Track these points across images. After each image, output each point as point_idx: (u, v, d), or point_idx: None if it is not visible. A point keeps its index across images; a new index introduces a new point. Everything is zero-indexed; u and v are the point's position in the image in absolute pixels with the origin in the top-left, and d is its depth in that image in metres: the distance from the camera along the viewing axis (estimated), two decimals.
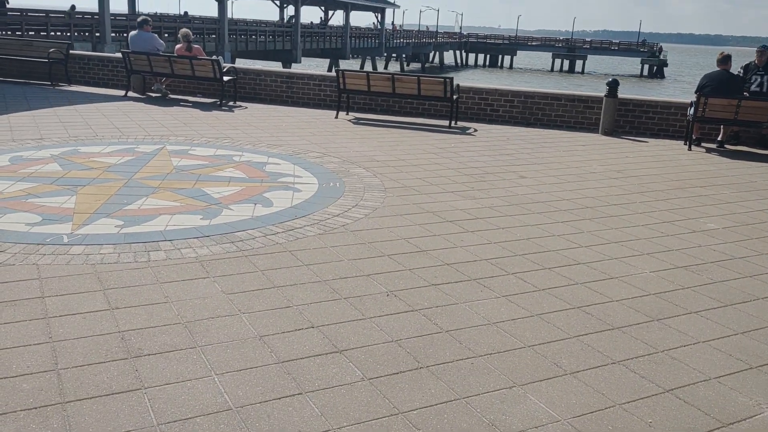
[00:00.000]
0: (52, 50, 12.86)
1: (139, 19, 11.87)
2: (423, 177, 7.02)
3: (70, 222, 4.95)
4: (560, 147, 9.19)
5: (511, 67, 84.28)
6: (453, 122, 10.57)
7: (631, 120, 10.51)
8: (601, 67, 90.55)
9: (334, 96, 11.82)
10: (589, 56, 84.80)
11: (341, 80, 10.77)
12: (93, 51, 24.26)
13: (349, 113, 11.27)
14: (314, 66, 57.00)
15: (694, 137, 9.51)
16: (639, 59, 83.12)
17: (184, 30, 11.68)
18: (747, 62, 9.93)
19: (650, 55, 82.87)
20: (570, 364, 3.20)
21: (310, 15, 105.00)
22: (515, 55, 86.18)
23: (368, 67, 63.34)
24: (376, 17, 60.23)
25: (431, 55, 78.29)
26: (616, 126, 10.42)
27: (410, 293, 3.96)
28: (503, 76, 68.60)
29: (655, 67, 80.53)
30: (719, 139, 9.63)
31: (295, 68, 42.95)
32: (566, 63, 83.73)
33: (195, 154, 7.58)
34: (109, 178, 6.29)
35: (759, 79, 9.64)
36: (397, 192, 6.34)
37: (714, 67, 9.63)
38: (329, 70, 54.13)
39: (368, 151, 8.23)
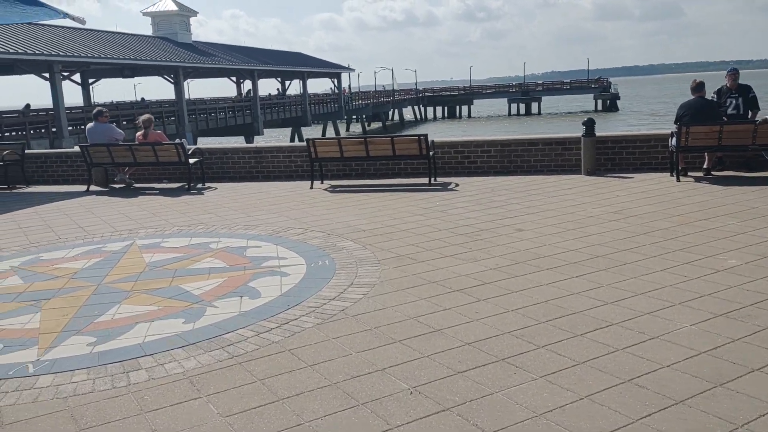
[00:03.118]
0: (6, 152, 12.33)
1: (94, 111, 11.46)
2: (415, 243, 6.58)
3: (36, 346, 4.35)
4: (548, 193, 8.87)
5: (469, 116, 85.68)
6: (432, 179, 10.22)
7: (612, 157, 10.29)
8: (556, 106, 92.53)
9: (306, 166, 11.45)
10: (543, 97, 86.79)
11: (312, 149, 10.40)
12: (51, 147, 23.74)
13: (324, 182, 10.88)
14: (277, 136, 57.14)
15: (680, 167, 9.28)
16: (591, 95, 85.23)
17: (144, 116, 11.28)
18: (719, 86, 9.85)
19: (602, 90, 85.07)
20: None
21: (268, 87, 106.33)
22: (472, 104, 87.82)
23: (330, 131, 63.76)
24: (333, 82, 60.90)
25: (390, 113, 79.26)
26: (598, 165, 10.19)
27: (436, 387, 3.45)
28: (463, 126, 69.51)
29: (608, 101, 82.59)
30: (705, 166, 9.42)
31: (260, 141, 42.84)
32: (522, 107, 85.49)
33: (168, 247, 7.04)
34: (76, 286, 5.71)
35: (734, 102, 9.55)
36: (393, 263, 5.87)
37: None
38: (292, 138, 54.19)
39: (352, 221, 7.79)
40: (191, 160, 11.06)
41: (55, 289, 5.64)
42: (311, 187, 10.44)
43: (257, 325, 4.51)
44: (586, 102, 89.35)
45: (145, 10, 42.48)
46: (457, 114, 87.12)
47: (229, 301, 5.09)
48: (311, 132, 61.01)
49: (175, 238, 7.45)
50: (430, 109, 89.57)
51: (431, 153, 10.12)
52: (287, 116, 49.26)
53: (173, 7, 42.25)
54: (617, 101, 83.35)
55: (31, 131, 25.57)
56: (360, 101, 66.99)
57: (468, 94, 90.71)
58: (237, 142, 43.80)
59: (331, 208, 8.67)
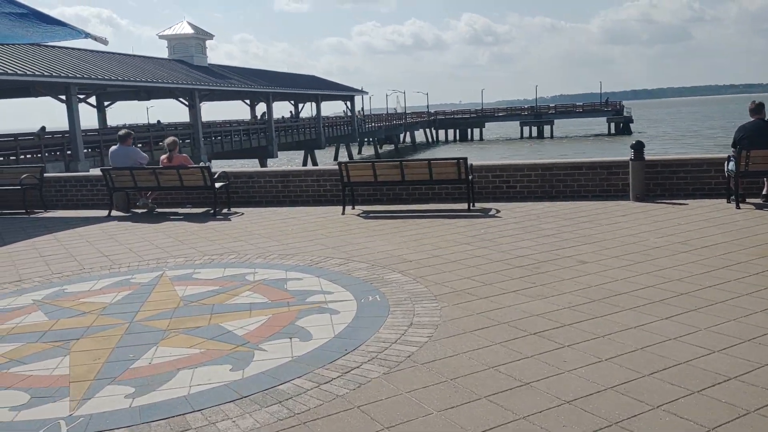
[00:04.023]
0: (24, 176, 11.93)
1: (120, 133, 11.03)
2: (470, 275, 6.05)
3: (67, 398, 3.83)
4: (599, 220, 8.33)
5: (481, 139, 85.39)
6: (471, 205, 9.71)
7: (661, 182, 9.76)
8: (568, 129, 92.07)
9: (335, 191, 10.98)
10: (555, 120, 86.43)
11: (345, 173, 9.93)
12: (66, 170, 23.45)
13: (355, 207, 10.39)
14: (291, 159, 56.94)
15: (738, 194, 8.73)
16: (604, 118, 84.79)
17: (169, 139, 10.85)
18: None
19: (615, 113, 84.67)
20: None
21: (280, 110, 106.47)
22: (484, 127, 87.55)
23: (342, 153, 63.53)
24: (346, 105, 60.80)
25: (402, 136, 79.07)
26: (647, 190, 9.64)
27: None
28: (476, 149, 69.14)
29: (621, 125, 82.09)
30: (765, 192, 8.87)
31: (274, 164, 42.57)
32: (534, 129, 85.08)
33: (201, 279, 6.54)
34: (106, 324, 5.21)
35: None
36: (451, 299, 5.34)
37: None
38: (305, 160, 53.97)
39: (394, 250, 7.27)
40: (217, 185, 10.60)
41: (83, 327, 5.14)
42: (343, 213, 9.94)
43: (316, 374, 3.98)
44: (599, 125, 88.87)
45: (161, 34, 42.55)
46: (469, 137, 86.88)
47: (278, 343, 4.57)
48: (324, 155, 60.87)
49: (208, 268, 6.95)
50: (441, 132, 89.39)
51: (470, 177, 9.62)
52: (301, 139, 49.04)
53: (189, 31, 42.30)
54: (630, 124, 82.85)
55: (47, 154, 25.31)
56: (373, 124, 66.83)
57: (480, 117, 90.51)
58: (251, 164, 43.60)
59: (369, 236, 8.17)
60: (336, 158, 64.11)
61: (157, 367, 4.25)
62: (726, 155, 9.08)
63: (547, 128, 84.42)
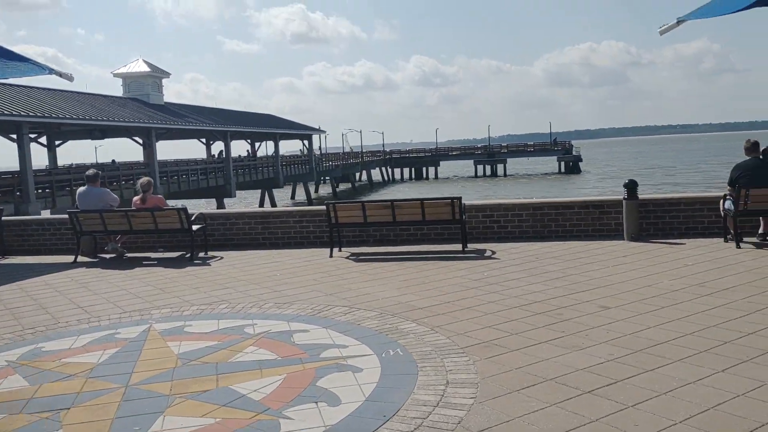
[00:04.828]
0: None
1: (89, 173, 10.32)
2: (491, 324, 5.66)
3: None
4: (602, 261, 8.09)
5: (436, 177, 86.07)
6: (464, 246, 9.36)
7: (654, 221, 9.63)
8: (521, 168, 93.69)
9: (319, 232, 10.54)
10: (508, 159, 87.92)
11: (333, 214, 9.48)
12: (16, 212, 22.27)
13: (342, 249, 9.93)
14: (249, 199, 56.05)
15: (734, 233, 8.64)
16: (555, 158, 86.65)
17: (143, 179, 10.21)
18: (764, 147, 9.33)
19: (565, 153, 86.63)
20: None
21: (236, 149, 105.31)
22: (438, 165, 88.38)
23: (300, 192, 62.86)
24: (303, 144, 60.50)
25: (358, 174, 79.04)
26: (640, 229, 9.49)
27: None
28: (431, 187, 69.55)
29: (571, 163, 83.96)
30: (761, 231, 8.79)
31: (233, 204, 41.58)
32: (488, 168, 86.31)
33: (195, 332, 5.96)
34: (99, 388, 4.59)
35: None
36: (481, 352, 4.93)
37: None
38: (261, 200, 53.14)
39: (398, 296, 6.84)
40: (194, 227, 10.01)
41: (72, 393, 4.52)
42: (331, 256, 9.47)
43: None
44: (549, 164, 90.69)
45: (116, 72, 41.61)
46: (424, 175, 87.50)
47: (303, 409, 4.05)
48: (281, 194, 60.11)
49: (199, 320, 6.37)
50: (397, 171, 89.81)
51: (464, 217, 9.30)
52: (259, 178, 48.35)
53: (145, 69, 41.53)
54: (579, 163, 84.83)
55: None
56: (330, 163, 66.64)
57: (434, 155, 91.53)
58: (209, 204, 42.66)
59: (367, 281, 7.71)
60: (293, 197, 63.47)
61: None
62: (722, 194, 9.00)
63: (500, 167, 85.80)
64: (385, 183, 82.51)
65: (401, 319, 5.99)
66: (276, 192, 53.61)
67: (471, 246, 9.56)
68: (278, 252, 10.17)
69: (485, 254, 9.01)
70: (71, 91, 35.30)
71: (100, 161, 53.35)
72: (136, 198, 10.15)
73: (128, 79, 41.64)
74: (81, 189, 10.29)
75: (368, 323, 5.92)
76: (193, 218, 10.13)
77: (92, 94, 37.50)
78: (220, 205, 41.44)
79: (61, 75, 9.89)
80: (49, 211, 25.21)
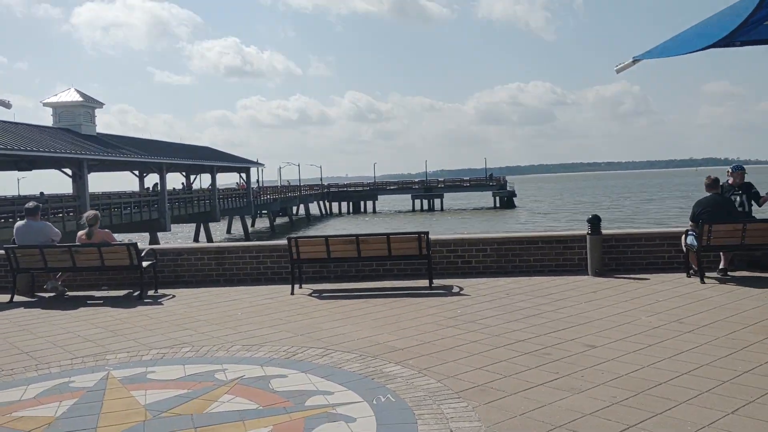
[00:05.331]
0: None
1: (28, 205, 9.55)
2: (480, 366, 5.42)
3: None
4: (573, 297, 8.01)
5: (374, 211, 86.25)
6: (431, 282, 9.14)
7: (616, 257, 9.69)
8: (457, 203, 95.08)
9: (277, 268, 10.14)
10: (445, 194, 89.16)
11: (294, 249, 9.10)
12: None
13: (302, 286, 9.53)
14: (184, 232, 54.44)
15: (698, 268, 8.75)
16: (490, 193, 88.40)
17: (90, 212, 9.57)
18: (720, 183, 9.59)
19: (500, 188, 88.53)
20: None
21: (171, 181, 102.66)
22: (376, 200, 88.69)
23: (236, 226, 61.53)
24: (241, 177, 59.50)
25: (296, 208, 78.28)
26: (602, 264, 9.52)
27: None
28: (369, 221, 69.50)
29: (505, 198, 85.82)
30: (722, 266, 8.95)
31: (167, 239, 40.12)
32: (425, 202, 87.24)
33: (159, 379, 5.46)
34: None
35: (738, 199, 9.29)
36: (479, 397, 4.67)
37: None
38: (196, 234, 51.75)
39: (374, 337, 6.53)
40: (144, 263, 9.41)
41: None
42: (292, 293, 9.05)
43: None
44: (484, 199, 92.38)
45: (45, 101, 39.96)
46: (362, 209, 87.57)
47: None
48: (218, 228, 58.70)
49: (162, 365, 5.86)
50: (335, 204, 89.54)
51: (431, 252, 9.10)
52: (195, 211, 47.07)
53: (77, 98, 40.03)
54: (513, 198, 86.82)
55: None
56: (268, 196, 65.73)
57: (372, 189, 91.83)
58: (142, 238, 41.10)
59: (337, 320, 7.36)
60: (229, 231, 62.05)
61: None
62: (684, 229, 9.14)
63: (437, 201, 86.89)
64: (323, 217, 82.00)
65: (383, 361, 5.68)
66: (212, 225, 52.31)
67: (437, 281, 9.35)
68: (234, 289, 9.68)
69: (453, 290, 8.81)
70: None
71: (22, 194, 50.92)
72: (81, 233, 9.49)
73: (59, 108, 40.02)
74: (19, 223, 9.54)
75: (349, 366, 5.57)
76: (143, 254, 9.53)
77: (20, 123, 35.80)
78: (154, 239, 40.00)
79: None
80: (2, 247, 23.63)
